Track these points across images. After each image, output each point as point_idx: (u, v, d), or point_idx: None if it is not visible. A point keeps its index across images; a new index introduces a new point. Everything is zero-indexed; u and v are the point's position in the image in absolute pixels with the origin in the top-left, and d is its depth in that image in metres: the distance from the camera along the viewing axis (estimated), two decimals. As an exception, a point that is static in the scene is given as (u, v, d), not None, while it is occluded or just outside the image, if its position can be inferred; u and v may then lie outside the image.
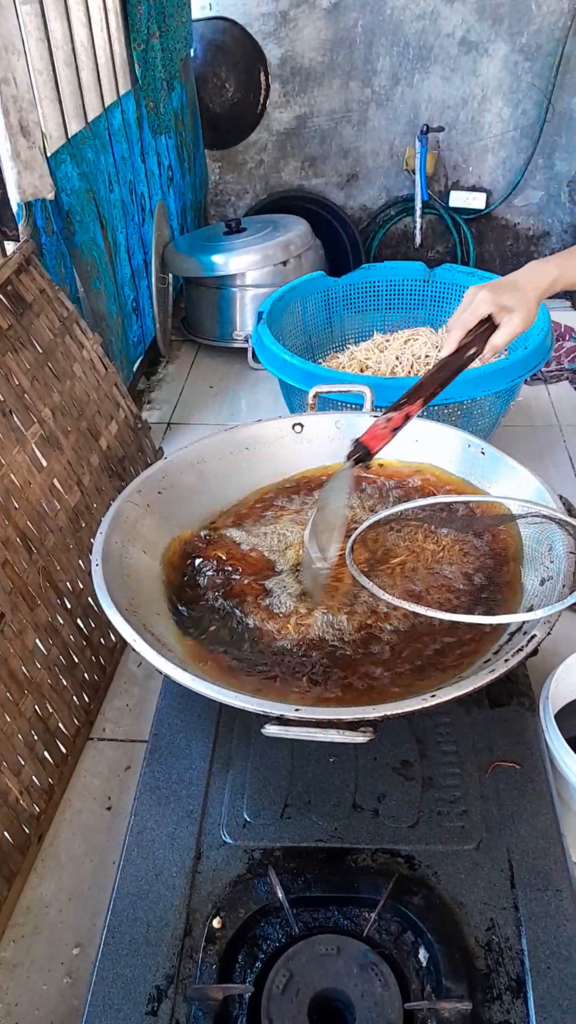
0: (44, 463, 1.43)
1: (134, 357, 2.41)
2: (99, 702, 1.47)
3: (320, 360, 2.14)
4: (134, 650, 0.95)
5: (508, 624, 1.01)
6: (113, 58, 2.15)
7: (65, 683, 1.35)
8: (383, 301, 2.25)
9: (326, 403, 1.61)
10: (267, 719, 0.88)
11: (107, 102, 2.09)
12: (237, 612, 1.11)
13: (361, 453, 1.11)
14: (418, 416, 1.15)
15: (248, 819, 0.98)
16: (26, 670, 1.25)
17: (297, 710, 0.87)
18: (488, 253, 3.17)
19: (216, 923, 0.87)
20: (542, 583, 1.06)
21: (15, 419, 1.39)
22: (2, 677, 1.19)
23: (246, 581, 1.15)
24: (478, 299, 1.16)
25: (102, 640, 1.50)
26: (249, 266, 2.47)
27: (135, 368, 2.46)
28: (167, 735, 1.09)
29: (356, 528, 1.13)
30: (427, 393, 1.14)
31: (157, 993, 0.82)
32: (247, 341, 2.29)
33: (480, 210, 3.05)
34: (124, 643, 1.38)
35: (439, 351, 2.02)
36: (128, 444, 1.77)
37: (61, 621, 1.37)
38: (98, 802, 1.31)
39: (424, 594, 1.10)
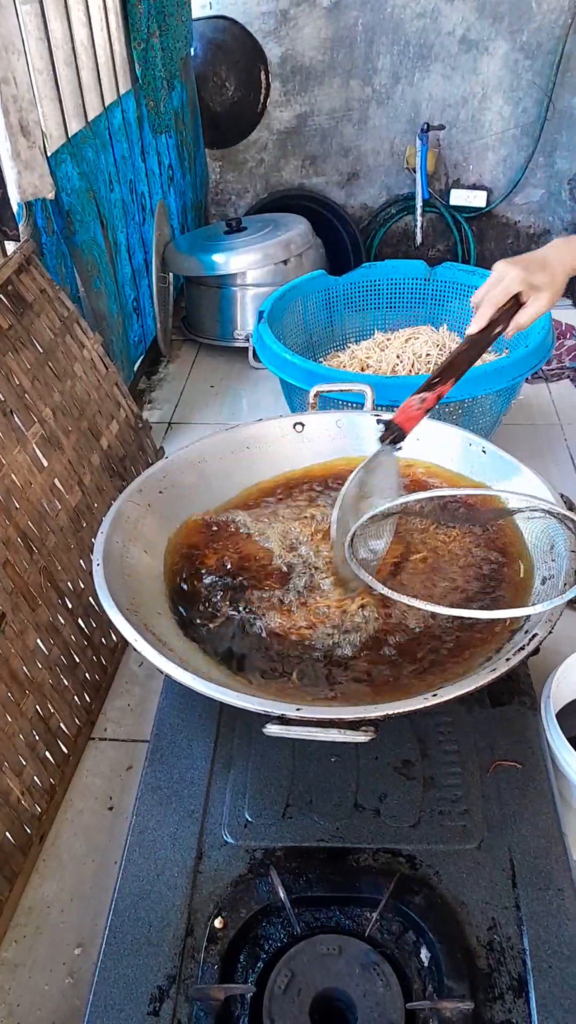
0: (45, 463, 1.43)
1: (135, 356, 2.41)
2: (100, 702, 1.46)
3: (321, 359, 2.14)
4: (135, 650, 0.95)
5: (513, 626, 1.01)
6: (113, 57, 2.15)
7: (66, 683, 1.35)
8: (384, 300, 2.24)
9: (327, 402, 1.61)
10: (268, 719, 0.88)
11: (107, 101, 2.09)
12: (244, 613, 1.11)
13: (396, 434, 1.11)
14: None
15: (250, 819, 0.98)
16: (27, 670, 1.25)
17: (298, 709, 0.87)
18: (489, 251, 3.16)
19: (218, 923, 0.87)
20: (543, 582, 1.06)
21: (16, 419, 1.39)
22: (3, 677, 1.19)
23: (250, 582, 1.15)
24: (509, 277, 1.13)
25: (103, 640, 1.50)
26: (250, 265, 2.47)
27: (136, 368, 2.46)
28: (168, 735, 1.09)
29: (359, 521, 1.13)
30: (458, 372, 1.13)
31: (159, 993, 0.82)
32: (248, 340, 2.29)
33: (481, 208, 3.05)
34: (125, 643, 1.38)
35: (440, 349, 2.02)
36: (129, 444, 1.77)
37: (62, 621, 1.37)
38: (99, 802, 1.31)
39: (428, 592, 1.10)
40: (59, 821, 1.28)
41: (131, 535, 1.17)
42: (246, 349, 2.27)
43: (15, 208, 1.60)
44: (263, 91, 2.93)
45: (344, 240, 3.08)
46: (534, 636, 0.91)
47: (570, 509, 1.09)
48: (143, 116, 2.35)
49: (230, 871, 0.93)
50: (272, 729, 0.89)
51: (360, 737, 0.88)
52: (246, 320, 2.57)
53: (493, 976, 0.83)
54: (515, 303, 1.15)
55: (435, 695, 0.86)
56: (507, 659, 0.89)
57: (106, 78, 2.09)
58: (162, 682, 1.19)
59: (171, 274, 2.65)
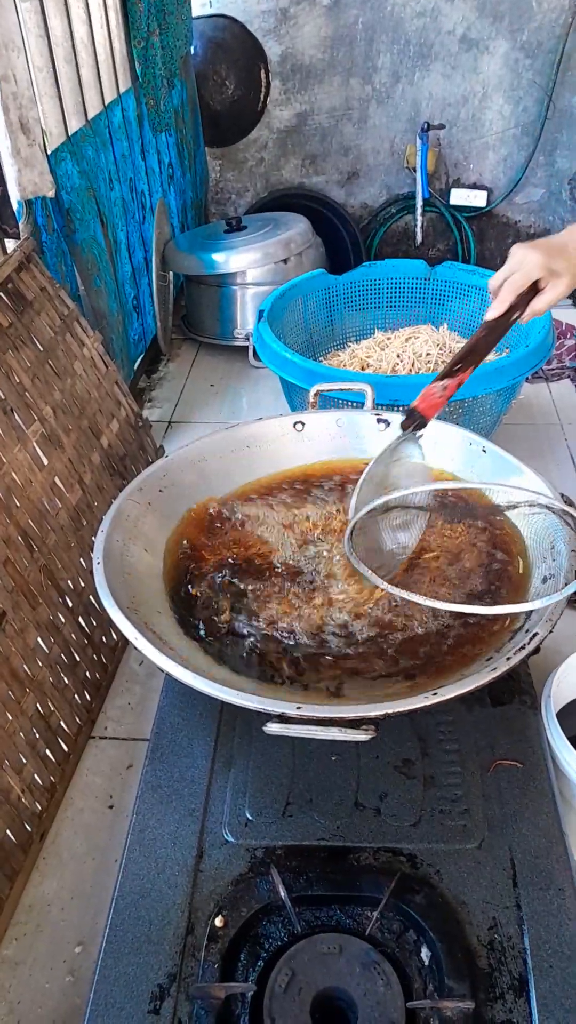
0: (45, 461, 1.43)
1: (135, 355, 2.41)
2: (101, 700, 1.46)
3: (321, 358, 2.14)
4: (135, 648, 0.95)
5: (512, 625, 1.01)
6: (113, 55, 2.15)
7: (67, 681, 1.35)
8: (384, 299, 2.24)
9: (327, 401, 1.61)
10: (269, 717, 0.88)
11: (107, 99, 2.08)
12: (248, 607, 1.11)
13: (418, 421, 1.11)
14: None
15: (250, 817, 0.98)
16: (27, 668, 1.25)
17: (299, 708, 0.86)
18: (489, 251, 3.16)
19: (218, 922, 0.87)
20: (544, 581, 1.06)
21: (16, 417, 1.38)
22: (4, 675, 1.19)
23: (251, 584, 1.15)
24: (529, 262, 1.11)
25: (103, 638, 1.50)
26: (250, 264, 2.47)
27: (136, 366, 2.46)
28: (169, 733, 1.09)
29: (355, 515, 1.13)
30: (478, 358, 1.14)
31: (159, 991, 0.82)
32: (248, 339, 2.28)
33: (481, 208, 3.05)
34: (125, 641, 1.38)
35: (440, 349, 2.02)
36: (129, 442, 1.77)
37: (62, 619, 1.37)
38: (100, 800, 1.31)
39: (433, 591, 1.10)
40: (59, 819, 1.28)
41: (131, 534, 1.17)
42: (246, 348, 2.27)
43: (15, 206, 1.60)
44: (263, 90, 2.93)
45: (344, 239, 3.08)
46: (535, 635, 0.92)
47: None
48: (143, 114, 2.35)
49: (231, 870, 0.93)
50: (272, 728, 0.89)
51: (360, 736, 0.88)
52: (246, 319, 2.56)
53: (494, 975, 0.83)
54: (532, 288, 1.14)
55: (435, 694, 0.86)
56: (508, 658, 0.89)
57: (106, 76, 2.09)
58: (162, 681, 1.19)
59: (171, 273, 2.65)
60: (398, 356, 2.03)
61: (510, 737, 1.06)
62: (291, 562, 1.18)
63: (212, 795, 1.01)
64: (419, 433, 1.14)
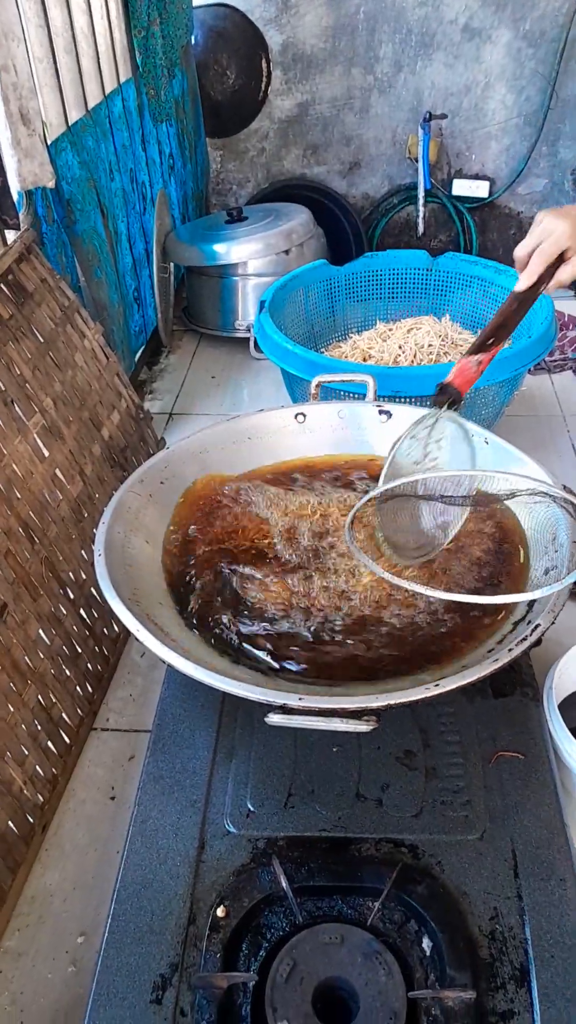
0: (46, 453, 1.43)
1: (136, 347, 2.40)
2: (102, 692, 1.47)
3: (323, 349, 2.13)
4: (137, 640, 0.95)
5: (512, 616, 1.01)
6: (113, 45, 2.14)
7: (68, 673, 1.35)
8: (386, 290, 2.23)
9: (329, 392, 1.60)
10: (270, 708, 0.88)
11: (107, 90, 2.07)
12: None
13: (453, 396, 1.10)
14: (419, 405, 1.15)
15: (252, 808, 0.98)
16: (29, 660, 1.25)
17: (300, 698, 0.87)
18: (491, 242, 3.15)
19: (220, 912, 0.87)
20: (546, 572, 1.05)
21: (16, 409, 1.38)
22: (5, 667, 1.19)
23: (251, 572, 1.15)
24: (560, 231, 1.09)
25: (105, 630, 1.50)
26: (251, 255, 2.46)
27: (137, 358, 2.45)
28: (170, 725, 1.09)
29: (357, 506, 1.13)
30: (509, 330, 1.13)
31: (161, 981, 0.83)
32: (249, 330, 2.28)
33: (483, 198, 3.03)
34: (127, 633, 1.38)
35: (442, 340, 2.01)
36: (130, 434, 1.76)
37: (64, 611, 1.37)
38: (102, 792, 1.31)
39: (438, 580, 1.10)
40: (61, 811, 1.28)
41: (132, 525, 1.16)
42: (247, 339, 2.26)
43: (15, 197, 1.59)
44: (264, 79, 2.92)
45: (346, 230, 3.07)
46: (537, 626, 0.91)
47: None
48: (144, 104, 2.33)
49: (232, 860, 0.93)
50: (274, 718, 0.89)
51: (362, 726, 0.88)
52: (247, 310, 2.56)
53: (495, 966, 0.83)
54: (559, 258, 1.12)
55: (437, 685, 0.86)
56: (509, 649, 0.89)
57: (106, 66, 2.07)
58: (164, 672, 1.20)
59: (172, 264, 2.64)
60: (400, 347, 2.02)
61: (512, 728, 1.06)
62: (293, 552, 1.18)
63: (214, 786, 1.01)
64: (456, 407, 1.12)
